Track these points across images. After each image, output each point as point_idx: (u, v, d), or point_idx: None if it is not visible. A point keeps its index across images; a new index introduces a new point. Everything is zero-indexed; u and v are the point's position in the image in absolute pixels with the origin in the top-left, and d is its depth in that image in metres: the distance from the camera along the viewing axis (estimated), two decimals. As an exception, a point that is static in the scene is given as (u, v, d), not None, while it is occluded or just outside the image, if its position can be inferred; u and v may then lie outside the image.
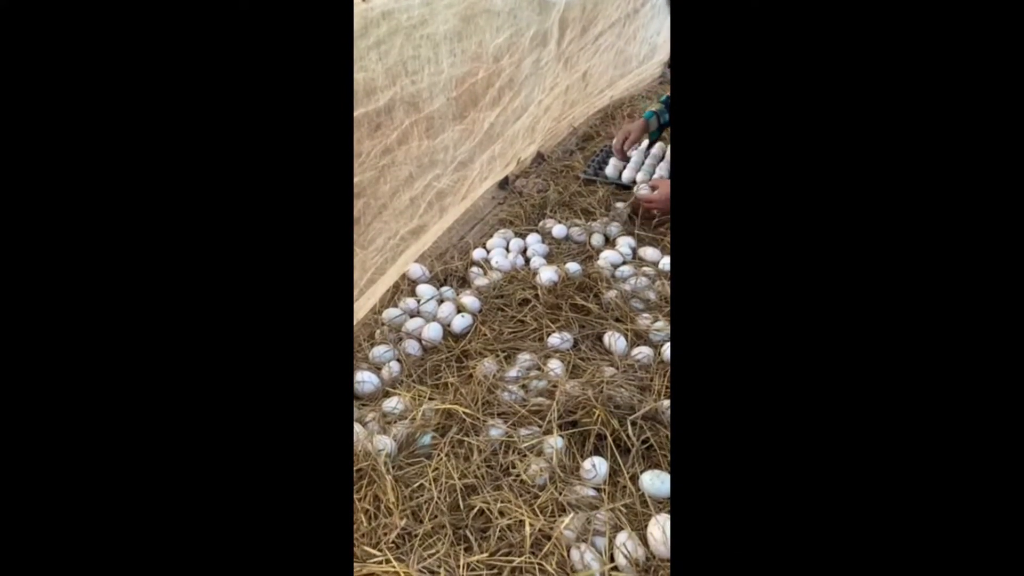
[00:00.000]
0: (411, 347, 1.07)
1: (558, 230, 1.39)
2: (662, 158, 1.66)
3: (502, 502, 0.78)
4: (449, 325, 1.11)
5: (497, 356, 1.03)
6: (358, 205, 0.92)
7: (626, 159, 1.64)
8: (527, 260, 1.31)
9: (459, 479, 0.81)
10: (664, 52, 2.41)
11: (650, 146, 1.70)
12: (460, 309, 1.14)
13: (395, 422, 0.91)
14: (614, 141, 1.65)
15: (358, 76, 0.80)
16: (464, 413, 0.91)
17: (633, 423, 0.86)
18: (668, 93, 1.69)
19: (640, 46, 2.17)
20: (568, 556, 0.72)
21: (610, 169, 1.62)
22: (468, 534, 0.75)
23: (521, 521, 0.75)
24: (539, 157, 1.77)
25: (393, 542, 0.74)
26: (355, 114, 0.80)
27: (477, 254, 1.32)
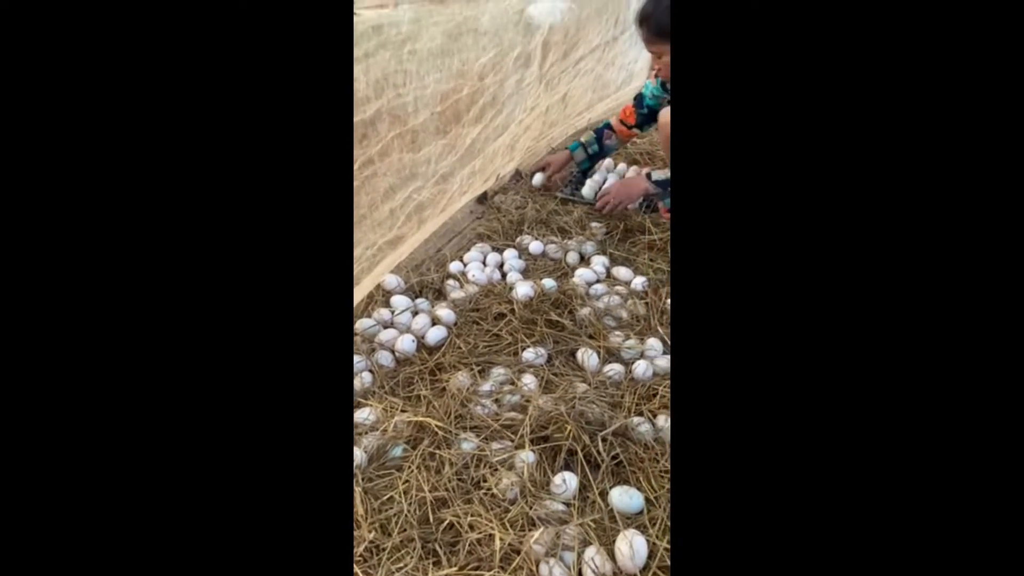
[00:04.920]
0: (384, 358, 1.06)
1: (535, 246, 1.41)
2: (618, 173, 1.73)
3: (472, 516, 0.78)
4: (423, 337, 1.11)
5: (471, 369, 1.03)
6: (338, 214, 0.92)
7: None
8: (504, 275, 1.33)
9: (430, 492, 0.81)
10: (640, 79, 2.49)
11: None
12: (435, 321, 1.14)
13: (366, 433, 0.91)
14: (535, 177, 1.67)
15: (345, 87, 0.80)
16: (436, 426, 0.91)
17: (604, 439, 0.87)
18: (603, 122, 1.71)
19: (618, 72, 2.24)
20: (537, 570, 0.72)
21: (586, 190, 1.66)
22: (437, 548, 0.75)
23: (491, 535, 0.75)
24: (517, 174, 1.79)
25: (361, 555, 0.73)
26: (340, 124, 0.81)
27: (454, 267, 1.33)
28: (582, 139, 1.70)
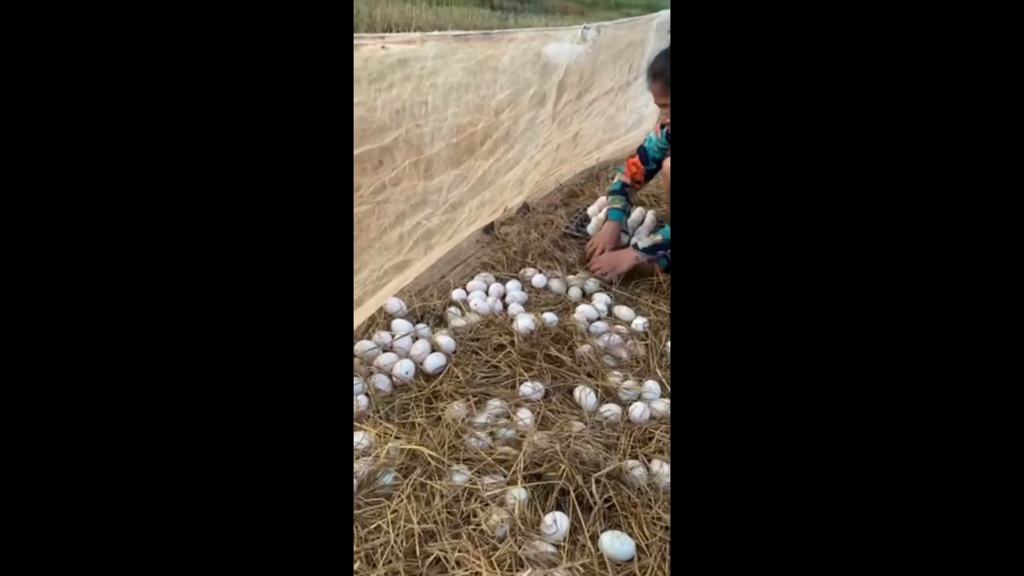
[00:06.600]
0: (381, 382, 1.05)
1: (538, 279, 1.42)
2: (641, 222, 1.73)
3: (460, 551, 0.76)
4: (422, 363, 1.10)
5: (468, 400, 1.03)
6: (348, 236, 0.93)
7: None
8: (505, 306, 1.33)
9: (418, 524, 0.79)
10: (650, 122, 2.56)
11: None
12: (434, 348, 1.14)
13: (358, 458, 0.89)
14: (592, 264, 1.47)
15: (368, 115, 0.83)
16: (429, 456, 0.90)
17: (597, 480, 0.86)
18: (617, 182, 1.67)
19: (629, 115, 2.31)
20: (522, 614, 0.70)
21: (592, 227, 1.68)
22: (422, 583, 0.73)
23: (478, 573, 0.73)
24: (525, 207, 1.82)
25: (343, 586, 0.71)
26: (360, 150, 0.83)
27: (457, 294, 1.33)
28: (617, 205, 1.62)
